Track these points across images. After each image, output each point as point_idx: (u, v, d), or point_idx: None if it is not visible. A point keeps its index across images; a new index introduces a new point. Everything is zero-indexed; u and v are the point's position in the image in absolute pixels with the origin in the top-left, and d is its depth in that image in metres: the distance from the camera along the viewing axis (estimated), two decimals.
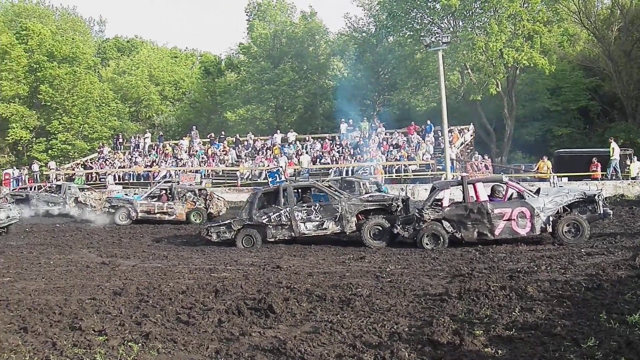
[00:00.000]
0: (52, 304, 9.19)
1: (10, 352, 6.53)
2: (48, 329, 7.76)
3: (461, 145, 38.74)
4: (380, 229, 15.77)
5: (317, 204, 16.90)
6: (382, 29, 51.26)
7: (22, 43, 64.92)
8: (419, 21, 47.64)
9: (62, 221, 27.20)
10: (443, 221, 15.03)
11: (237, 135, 45.80)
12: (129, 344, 6.81)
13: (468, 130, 41.21)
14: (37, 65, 62.28)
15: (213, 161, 41.73)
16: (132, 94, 69.79)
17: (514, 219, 14.65)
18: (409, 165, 34.56)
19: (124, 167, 44.49)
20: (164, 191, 26.90)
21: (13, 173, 48.16)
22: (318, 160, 37.73)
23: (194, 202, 26.35)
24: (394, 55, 49.93)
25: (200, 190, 27.84)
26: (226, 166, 40.45)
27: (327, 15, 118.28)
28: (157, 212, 25.51)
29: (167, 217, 25.49)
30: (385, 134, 39.60)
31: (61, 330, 7.72)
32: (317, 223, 16.58)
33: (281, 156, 38.14)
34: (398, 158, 35.49)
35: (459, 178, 18.11)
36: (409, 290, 9.42)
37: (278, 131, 44.44)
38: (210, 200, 26.79)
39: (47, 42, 64.87)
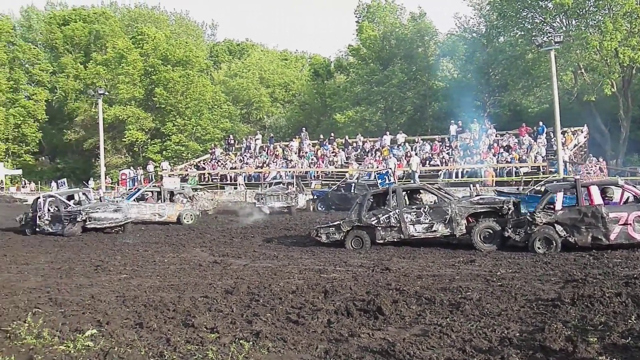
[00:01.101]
0: (167, 301, 9.42)
1: (127, 347, 6.72)
2: (162, 325, 7.95)
3: (574, 147, 37.81)
4: (491, 232, 15.47)
5: (427, 206, 16.77)
6: (493, 29, 50.65)
7: (137, 47, 66.97)
8: (531, 21, 46.78)
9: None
10: (556, 225, 14.62)
11: (347, 136, 45.97)
12: (240, 341, 6.90)
13: (582, 132, 40.17)
14: (152, 69, 64.08)
15: (322, 162, 41.99)
16: (243, 96, 70.92)
17: (630, 224, 14.09)
18: (520, 167, 33.89)
19: (235, 168, 45.25)
20: (149, 194, 28.39)
21: (129, 173, 49.81)
22: (427, 162, 37.47)
23: (184, 203, 27.88)
24: (505, 55, 49.13)
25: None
26: (335, 167, 40.65)
27: (437, 16, 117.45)
28: (148, 214, 26.84)
29: (157, 218, 26.76)
30: (496, 136, 39.00)
31: (175, 326, 7.89)
32: (426, 225, 16.41)
33: (390, 158, 38.03)
34: (509, 160, 34.88)
35: (573, 181, 17.61)
36: (520, 295, 9.22)
37: (387, 133, 44.34)
38: (195, 202, 29.45)
39: (161, 46, 66.68)
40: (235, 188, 40.74)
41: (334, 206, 30.88)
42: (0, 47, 70.85)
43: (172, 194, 28.03)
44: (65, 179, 33.05)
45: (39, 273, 13.17)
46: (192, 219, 26.62)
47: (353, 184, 32.39)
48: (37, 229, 23.35)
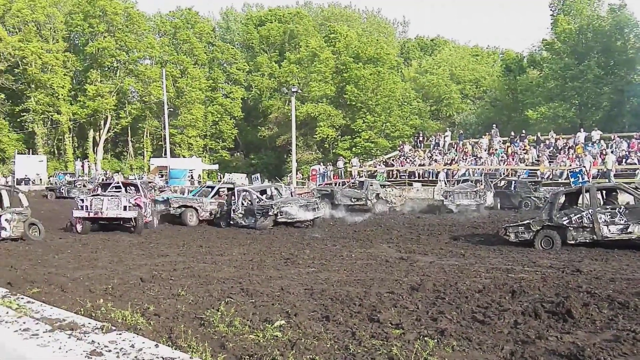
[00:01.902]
0: (353, 295, 9.53)
1: (313, 339, 6.86)
2: (348, 319, 8.05)
3: None
4: None
5: (623, 207, 16.05)
6: None
7: (330, 46, 68.26)
8: None
9: (363, 216, 28.13)
10: None
11: (539, 133, 44.75)
12: (425, 339, 6.87)
13: None
14: (344, 67, 65.11)
15: (513, 160, 41.12)
16: (433, 93, 70.66)
17: None
18: None
19: (423, 164, 45.16)
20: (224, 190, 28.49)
21: (319, 169, 50.77)
22: (624, 160, 35.80)
23: None
24: None
25: None
26: (526, 165, 39.68)
27: (637, 7, 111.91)
28: None
29: None
30: None
31: (360, 321, 7.97)
32: (621, 226, 15.71)
33: (586, 156, 36.63)
34: None
35: None
36: None
37: (581, 129, 42.74)
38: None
39: (353, 44, 67.65)
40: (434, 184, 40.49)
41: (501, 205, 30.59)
42: (201, 48, 74.52)
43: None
44: (258, 174, 34.23)
45: (232, 264, 13.71)
46: None
47: (513, 182, 31.73)
48: (232, 222, 24.34)
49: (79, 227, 21.40)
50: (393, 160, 50.22)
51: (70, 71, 68.46)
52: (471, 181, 33.08)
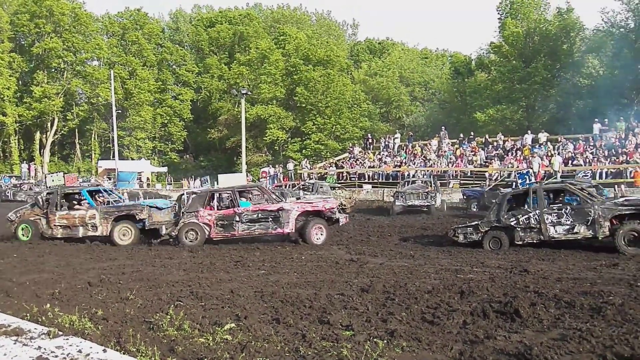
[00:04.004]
0: (303, 297, 9.52)
1: (264, 341, 6.85)
2: (298, 321, 8.05)
3: None
4: (636, 234, 14.87)
5: (569, 207, 16.29)
6: None
7: (279, 48, 68.38)
8: None
9: None
10: None
11: (487, 135, 45.24)
12: (375, 340, 6.88)
13: None
14: (293, 69, 65.28)
15: (461, 161, 41.53)
16: (383, 95, 71.17)
17: None
18: None
19: (373, 167, 45.41)
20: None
21: (269, 171, 50.82)
22: (570, 161, 36.36)
23: None
24: None
25: None
26: (474, 167, 40.10)
27: (583, 11, 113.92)
28: None
29: None
30: None
31: (310, 323, 7.97)
32: (567, 227, 15.94)
33: (534, 157, 37.10)
34: None
35: None
36: None
37: (529, 131, 43.34)
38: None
39: (303, 46, 67.87)
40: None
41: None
42: (150, 49, 74.02)
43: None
44: (208, 177, 34.07)
45: (181, 267, 13.64)
46: None
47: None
48: None
49: None
50: (343, 162, 50.39)
51: (16, 72, 67.29)
52: (422, 182, 33.31)
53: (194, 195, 19.95)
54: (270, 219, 19.02)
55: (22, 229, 19.94)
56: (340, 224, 20.21)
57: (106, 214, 19.69)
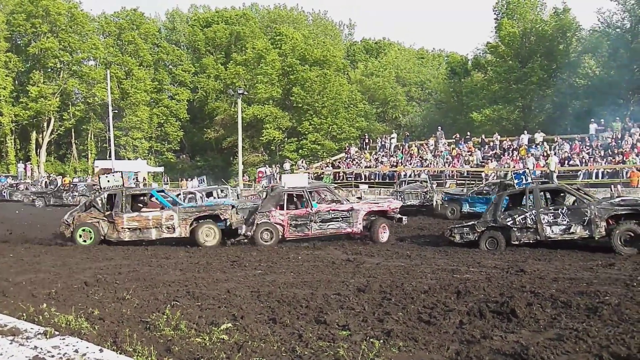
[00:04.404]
0: (300, 297, 9.52)
1: (260, 341, 6.85)
2: (295, 321, 8.06)
3: None
4: (632, 235, 14.90)
5: (565, 207, 16.32)
6: (638, 23, 48.59)
7: (276, 48, 68.35)
8: None
9: None
10: None
11: (483, 135, 45.25)
12: (371, 340, 6.88)
13: None
14: (290, 69, 65.22)
15: (458, 162, 41.53)
16: (379, 95, 71.14)
17: None
18: None
19: (369, 167, 45.41)
20: None
21: (266, 171, 50.79)
22: (566, 162, 36.39)
23: None
24: None
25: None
26: (471, 167, 40.10)
27: (579, 11, 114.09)
28: None
29: None
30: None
31: (307, 322, 7.97)
32: (564, 227, 15.98)
33: (529, 157, 37.14)
34: None
35: None
36: None
37: (525, 131, 43.34)
38: None
39: (299, 46, 67.80)
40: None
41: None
42: (146, 49, 73.90)
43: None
44: (204, 177, 34.02)
45: (178, 267, 13.64)
46: None
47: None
48: None
49: None
50: (339, 162, 50.40)
51: (12, 72, 67.07)
52: (421, 182, 33.34)
53: (267, 196, 20.16)
54: (341, 219, 19.39)
55: (82, 233, 18.88)
56: (403, 224, 20.87)
57: (185, 214, 19.14)
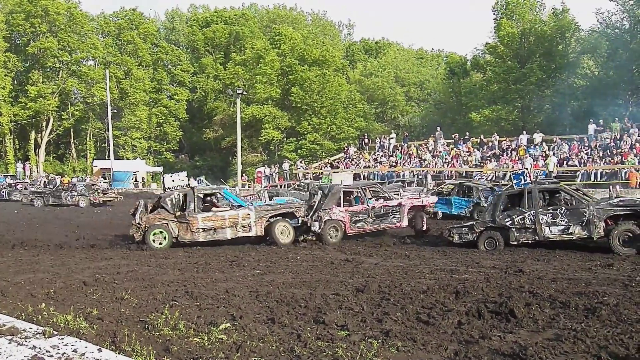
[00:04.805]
0: (298, 297, 9.52)
1: (259, 341, 6.85)
2: (293, 320, 8.05)
3: None
4: (631, 235, 14.90)
5: (564, 208, 16.33)
6: (637, 24, 48.63)
7: (275, 48, 68.30)
8: None
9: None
10: None
11: (482, 136, 45.29)
12: (370, 340, 6.87)
13: None
14: (289, 69, 65.21)
15: (457, 162, 41.55)
16: (378, 95, 71.18)
17: None
18: None
19: (368, 167, 45.44)
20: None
21: (265, 171, 50.80)
22: (565, 162, 36.42)
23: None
24: None
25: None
26: (470, 167, 40.13)
27: (578, 11, 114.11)
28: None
29: None
30: (638, 135, 37.33)
31: (306, 322, 7.96)
32: (562, 227, 16.00)
33: (526, 158, 37.17)
34: None
35: None
36: None
37: (524, 132, 43.37)
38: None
39: (298, 47, 67.77)
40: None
41: None
42: (145, 49, 73.87)
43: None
44: (203, 177, 33.95)
45: (176, 267, 13.62)
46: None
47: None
48: None
49: None
50: (338, 162, 50.43)
51: (11, 72, 67.04)
52: (404, 183, 33.46)
53: (327, 194, 20.27)
54: (391, 214, 20.22)
55: (155, 235, 18.16)
56: (438, 218, 23.46)
57: (262, 213, 18.99)
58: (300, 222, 19.44)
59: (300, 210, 19.53)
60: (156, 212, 18.57)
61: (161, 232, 18.19)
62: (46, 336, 6.20)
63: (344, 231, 19.57)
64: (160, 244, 18.06)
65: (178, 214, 18.49)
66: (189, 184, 19.77)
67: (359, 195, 20.66)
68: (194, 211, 18.46)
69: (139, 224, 18.19)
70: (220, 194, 20.08)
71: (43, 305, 8.50)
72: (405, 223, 20.32)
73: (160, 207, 18.71)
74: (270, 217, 19.09)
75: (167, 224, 18.34)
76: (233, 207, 19.06)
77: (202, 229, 18.43)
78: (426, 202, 21.43)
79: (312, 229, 19.26)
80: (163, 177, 21.03)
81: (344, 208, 19.82)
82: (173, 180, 19.63)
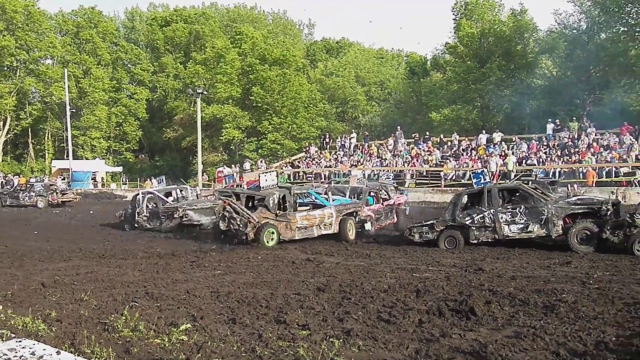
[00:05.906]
0: (259, 297, 9.52)
1: (220, 342, 6.83)
2: (255, 321, 8.04)
3: None
4: (588, 233, 15.12)
5: (523, 206, 16.49)
6: (594, 25, 49.24)
7: (235, 47, 68.04)
8: (634, 16, 45.27)
9: None
10: None
11: (442, 135, 45.54)
12: (331, 339, 6.91)
13: None
14: (250, 68, 65.10)
15: (417, 161, 41.74)
16: (339, 95, 71.24)
17: None
18: (620, 167, 32.80)
19: (329, 166, 45.46)
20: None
21: (225, 171, 50.62)
22: (524, 161, 36.76)
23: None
24: (606, 52, 47.54)
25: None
26: (430, 166, 40.33)
27: (536, 12, 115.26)
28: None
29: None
30: (596, 135, 37.82)
31: (267, 322, 7.96)
32: (521, 226, 16.19)
33: (491, 157, 37.40)
34: (609, 160, 33.81)
35: None
36: (617, 299, 8.95)
37: (483, 131, 43.70)
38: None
39: (259, 46, 67.65)
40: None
41: None
42: (104, 48, 73.16)
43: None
44: (163, 176, 33.74)
45: (136, 268, 13.51)
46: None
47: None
48: (136, 225, 23.95)
49: None
50: (299, 161, 50.41)
51: None
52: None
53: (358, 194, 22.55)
54: (390, 212, 23.14)
55: (267, 234, 18.15)
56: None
57: (338, 212, 19.98)
58: (357, 219, 20.53)
59: (363, 209, 20.88)
60: (258, 211, 18.63)
61: (272, 231, 18.41)
62: (3, 339, 6.13)
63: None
64: (270, 241, 18.31)
65: (280, 213, 18.87)
66: (277, 183, 20.28)
67: (373, 195, 22.93)
68: (293, 210, 19.21)
69: (255, 220, 18.15)
70: (307, 194, 21.38)
71: (0, 307, 8.39)
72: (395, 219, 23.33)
73: (263, 205, 18.88)
74: (343, 216, 20.06)
75: (273, 223, 18.60)
76: (317, 207, 20.24)
77: (299, 227, 19.09)
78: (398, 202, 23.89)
79: (366, 227, 20.80)
80: (259, 176, 20.92)
81: (368, 207, 21.82)
82: (266, 180, 19.93)
